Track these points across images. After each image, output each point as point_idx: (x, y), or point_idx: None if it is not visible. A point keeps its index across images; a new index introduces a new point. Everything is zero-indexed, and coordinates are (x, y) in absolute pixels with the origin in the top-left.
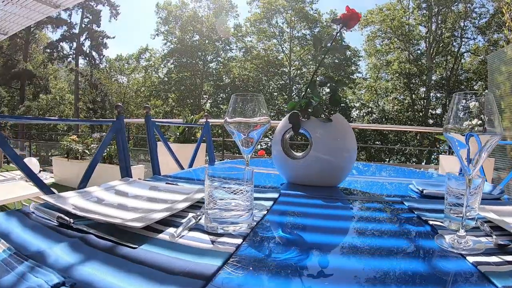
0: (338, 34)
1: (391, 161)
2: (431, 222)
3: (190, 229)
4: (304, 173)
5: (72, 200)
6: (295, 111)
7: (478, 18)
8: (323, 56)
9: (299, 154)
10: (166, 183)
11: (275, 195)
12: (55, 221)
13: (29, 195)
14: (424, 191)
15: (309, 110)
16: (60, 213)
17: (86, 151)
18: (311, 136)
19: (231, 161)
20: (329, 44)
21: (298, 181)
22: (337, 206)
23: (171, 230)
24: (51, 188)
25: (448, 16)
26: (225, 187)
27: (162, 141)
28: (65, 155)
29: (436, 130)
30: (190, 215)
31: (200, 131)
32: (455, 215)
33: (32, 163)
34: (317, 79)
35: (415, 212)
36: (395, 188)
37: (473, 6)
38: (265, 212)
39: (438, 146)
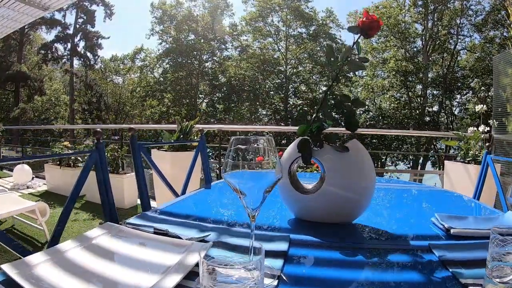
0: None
1: (388, 159)
2: None
3: None
4: (316, 209)
5: (39, 270)
6: (305, 137)
7: (475, 16)
8: (338, 71)
9: (309, 186)
10: (154, 230)
11: (284, 247)
12: None
13: (22, 210)
14: (452, 231)
15: (322, 136)
16: None
17: (79, 158)
18: (324, 167)
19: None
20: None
21: (308, 218)
22: (358, 263)
23: None
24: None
25: (444, 14)
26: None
27: (153, 168)
28: (57, 162)
29: (435, 134)
30: None
31: (196, 137)
32: (498, 279)
33: (25, 170)
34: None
35: (450, 270)
36: (416, 218)
37: (469, 4)
38: (276, 282)
39: (435, 143)
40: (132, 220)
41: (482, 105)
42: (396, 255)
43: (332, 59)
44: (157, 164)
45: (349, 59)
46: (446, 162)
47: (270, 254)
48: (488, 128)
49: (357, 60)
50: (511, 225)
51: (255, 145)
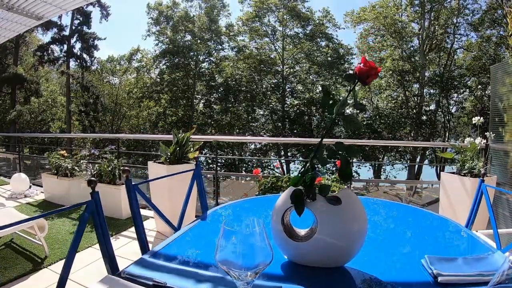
0: (351, 93)
1: (385, 157)
2: None
3: None
4: (308, 254)
5: None
6: (299, 188)
7: (471, 15)
8: (332, 119)
9: (302, 232)
10: (153, 283)
11: None
12: None
13: (20, 226)
14: (439, 279)
15: (315, 187)
16: None
17: (76, 167)
18: (316, 218)
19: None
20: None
21: (300, 262)
22: None
23: None
24: None
25: (441, 13)
26: None
27: (150, 206)
28: (54, 172)
29: (431, 145)
30: None
31: (193, 149)
32: None
33: (22, 178)
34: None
35: None
36: (406, 258)
37: (466, 3)
38: None
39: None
40: (131, 269)
41: (479, 117)
42: None
43: (327, 106)
44: (155, 174)
45: (344, 113)
46: (442, 174)
47: None
48: (485, 140)
49: (353, 109)
50: (498, 267)
51: (246, 230)
